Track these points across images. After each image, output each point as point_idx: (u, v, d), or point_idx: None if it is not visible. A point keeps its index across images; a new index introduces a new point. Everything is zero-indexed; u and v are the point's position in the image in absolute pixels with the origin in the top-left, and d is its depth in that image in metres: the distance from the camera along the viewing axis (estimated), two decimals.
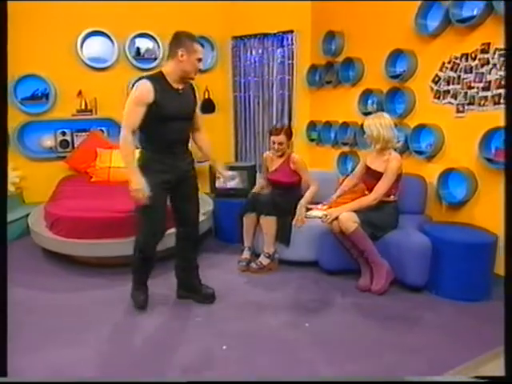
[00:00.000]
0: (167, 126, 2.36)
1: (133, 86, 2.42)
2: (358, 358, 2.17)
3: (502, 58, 2.69)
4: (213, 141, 5.11)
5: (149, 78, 2.34)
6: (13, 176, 4.32)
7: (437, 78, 3.16)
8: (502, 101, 2.71)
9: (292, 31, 4.56)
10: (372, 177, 2.97)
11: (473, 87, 2.89)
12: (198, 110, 2.63)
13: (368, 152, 3.17)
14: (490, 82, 2.78)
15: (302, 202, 3.20)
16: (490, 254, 2.72)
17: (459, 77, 2.99)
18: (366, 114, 3.51)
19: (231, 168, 3.99)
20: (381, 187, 2.86)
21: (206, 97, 4.99)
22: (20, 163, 4.41)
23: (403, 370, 2.06)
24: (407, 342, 2.31)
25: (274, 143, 3.27)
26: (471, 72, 2.90)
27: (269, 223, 3.20)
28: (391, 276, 2.83)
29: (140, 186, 2.29)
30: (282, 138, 3.24)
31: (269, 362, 2.13)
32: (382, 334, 2.38)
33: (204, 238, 3.74)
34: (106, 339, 2.35)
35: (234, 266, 3.30)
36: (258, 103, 4.93)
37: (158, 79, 2.34)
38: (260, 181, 3.62)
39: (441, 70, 3.12)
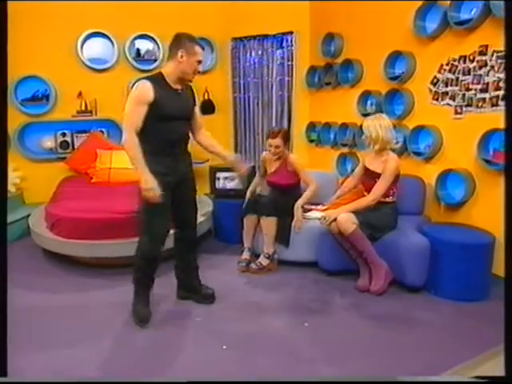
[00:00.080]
0: (167, 126, 2.36)
1: (132, 86, 2.41)
2: (357, 357, 2.19)
3: (499, 60, 2.71)
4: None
5: (148, 78, 2.34)
6: (13, 177, 4.33)
7: (435, 80, 3.18)
8: (499, 102, 2.73)
9: (291, 33, 4.57)
10: (370, 178, 2.99)
11: (471, 89, 2.91)
12: (197, 110, 2.63)
13: (366, 153, 3.19)
14: (487, 83, 2.80)
15: (300, 202, 3.22)
16: (488, 254, 2.74)
17: (457, 79, 3.01)
18: (365, 115, 3.52)
19: (230, 169, 4.02)
20: (379, 188, 2.88)
21: (206, 98, 5.01)
22: (20, 164, 4.42)
23: (403, 370, 2.07)
24: (406, 341, 2.33)
25: (270, 146, 3.28)
26: (469, 74, 2.92)
27: (269, 224, 3.22)
28: (390, 276, 2.85)
29: (151, 185, 2.27)
30: (278, 141, 3.24)
31: (268, 362, 2.14)
32: (381, 334, 2.39)
33: (204, 238, 3.75)
34: (106, 339, 2.35)
35: (233, 267, 3.31)
36: (258, 104, 4.94)
37: (158, 79, 2.34)
38: (255, 180, 3.61)
39: (439, 71, 3.14)
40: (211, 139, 2.72)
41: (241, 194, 3.65)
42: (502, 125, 2.65)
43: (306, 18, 4.51)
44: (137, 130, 2.28)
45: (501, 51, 2.70)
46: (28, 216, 3.89)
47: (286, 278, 3.15)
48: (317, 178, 3.42)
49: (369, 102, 3.83)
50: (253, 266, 3.25)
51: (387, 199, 2.95)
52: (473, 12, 2.83)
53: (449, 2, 2.94)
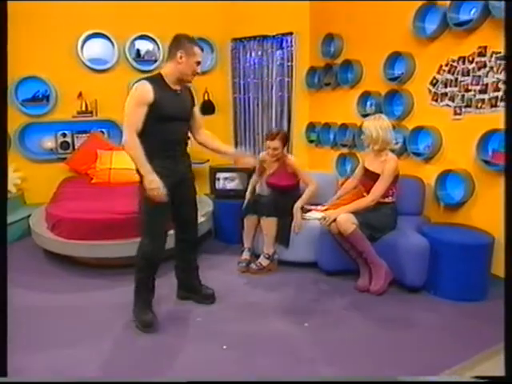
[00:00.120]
0: (166, 127, 2.35)
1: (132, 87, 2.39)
2: (357, 357, 2.19)
3: (498, 61, 2.72)
4: None
5: (147, 79, 2.33)
6: (14, 177, 4.34)
7: (434, 81, 3.19)
8: (498, 103, 2.74)
9: (291, 33, 4.59)
10: (369, 178, 2.99)
11: (470, 90, 2.92)
12: (197, 111, 2.62)
13: (366, 153, 3.20)
14: (486, 84, 2.81)
15: (298, 204, 3.23)
16: (488, 254, 2.75)
17: (457, 79, 3.02)
18: (365, 115, 3.53)
19: (231, 170, 4.04)
20: (378, 188, 2.89)
21: (206, 98, 5.02)
22: (21, 165, 4.43)
23: (402, 370, 2.07)
24: (406, 341, 2.33)
25: (268, 148, 3.27)
26: (468, 75, 2.93)
27: (269, 224, 3.23)
28: (390, 276, 2.86)
29: (157, 184, 2.27)
30: (276, 143, 3.23)
31: (269, 362, 2.15)
32: (381, 334, 2.40)
33: (204, 238, 3.76)
34: (106, 340, 2.36)
35: (233, 267, 3.32)
36: (258, 105, 4.95)
37: (157, 80, 2.34)
38: (253, 179, 3.61)
39: (438, 72, 3.15)
40: (211, 137, 2.72)
41: (241, 194, 3.66)
42: (501, 125, 2.67)
43: (306, 18, 4.52)
44: (137, 130, 2.27)
45: (500, 52, 2.71)
46: (28, 216, 3.89)
47: (285, 279, 3.16)
48: (316, 179, 3.42)
49: (368, 103, 3.84)
50: (253, 266, 3.26)
51: (386, 199, 2.96)
52: (472, 12, 2.83)
53: (448, 3, 2.95)
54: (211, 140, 2.71)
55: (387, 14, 3.55)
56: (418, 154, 3.34)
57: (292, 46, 4.61)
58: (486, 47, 2.80)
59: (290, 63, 4.67)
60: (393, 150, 3.11)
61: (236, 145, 5.18)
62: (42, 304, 2.78)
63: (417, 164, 3.36)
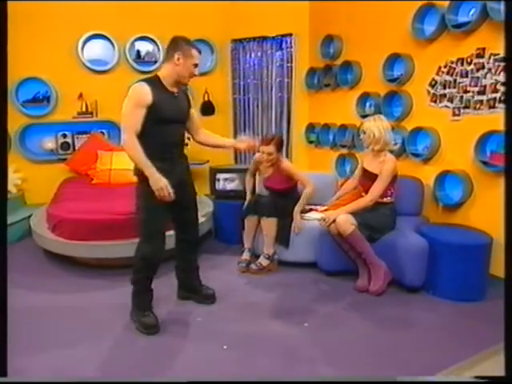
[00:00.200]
0: (164, 129, 2.34)
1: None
2: (356, 357, 2.20)
3: (496, 63, 2.74)
4: None
5: (145, 81, 2.31)
6: (14, 178, 4.35)
7: (433, 82, 3.21)
8: (497, 105, 2.76)
9: (291, 34, 4.60)
10: (368, 179, 3.01)
11: (468, 91, 2.94)
12: (193, 112, 2.62)
13: (365, 154, 3.21)
14: (485, 86, 2.83)
15: (297, 208, 3.25)
16: (486, 255, 2.76)
17: (455, 81, 3.03)
18: (364, 116, 3.55)
19: (231, 170, 4.05)
20: (376, 189, 2.90)
21: (206, 99, 5.04)
22: (21, 165, 4.45)
23: (402, 369, 2.09)
24: (405, 341, 2.34)
25: (263, 153, 3.24)
26: (467, 76, 2.95)
27: (269, 225, 3.24)
28: (389, 277, 2.87)
29: (163, 184, 2.26)
30: (271, 148, 3.20)
31: (269, 362, 2.16)
32: (380, 334, 2.42)
33: (204, 239, 3.77)
34: (106, 340, 2.37)
35: (233, 267, 3.33)
36: (258, 106, 4.97)
37: (155, 82, 2.32)
38: (246, 180, 3.62)
39: (437, 73, 3.17)
40: (211, 135, 2.74)
41: (241, 194, 3.68)
42: (499, 127, 2.68)
43: (306, 19, 4.54)
44: (136, 132, 2.26)
45: (498, 54, 2.73)
46: (29, 217, 3.90)
47: (285, 279, 3.18)
48: (316, 179, 3.44)
49: (368, 104, 3.85)
50: (253, 266, 3.27)
51: (385, 200, 2.97)
52: (471, 12, 2.84)
53: (447, 3, 2.96)
54: (212, 138, 2.73)
55: (386, 15, 3.56)
56: (416, 155, 3.35)
57: (292, 46, 4.63)
58: (484, 49, 2.82)
59: (289, 64, 4.69)
60: (392, 151, 3.13)
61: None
62: (42, 304, 2.79)
63: (416, 165, 3.38)
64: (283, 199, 3.31)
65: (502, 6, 2.64)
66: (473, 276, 2.75)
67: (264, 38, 4.75)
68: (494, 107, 2.78)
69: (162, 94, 2.32)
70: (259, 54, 4.83)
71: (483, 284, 2.80)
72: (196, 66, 2.39)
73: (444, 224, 3.12)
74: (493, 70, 2.77)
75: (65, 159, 4.53)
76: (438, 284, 2.81)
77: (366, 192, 3.00)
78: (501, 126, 2.66)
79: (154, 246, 2.43)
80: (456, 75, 3.03)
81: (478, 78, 2.87)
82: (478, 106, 2.89)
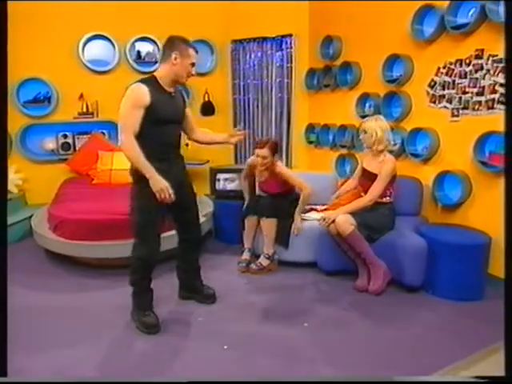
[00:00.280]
0: (162, 129, 2.34)
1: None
2: (356, 357, 2.21)
3: (495, 64, 2.75)
4: None
5: (143, 81, 2.30)
6: (15, 178, 4.37)
7: (432, 83, 3.22)
8: (495, 106, 2.77)
9: (291, 35, 4.62)
10: (368, 178, 3.02)
11: (467, 92, 2.96)
12: (188, 111, 2.62)
13: (364, 154, 3.23)
14: (483, 87, 2.84)
15: (297, 211, 3.26)
16: (485, 254, 2.78)
17: (454, 82, 3.05)
18: (364, 117, 3.56)
19: (231, 170, 4.07)
20: (376, 188, 2.92)
21: (206, 99, 5.06)
22: (22, 165, 4.46)
23: (401, 369, 2.10)
24: (405, 341, 2.36)
25: (257, 156, 3.22)
26: (466, 77, 2.96)
27: (269, 225, 3.26)
28: (388, 277, 2.89)
29: (163, 185, 2.26)
30: (265, 151, 3.17)
31: (268, 362, 2.17)
32: (380, 334, 2.43)
33: (204, 239, 3.78)
34: (106, 340, 2.37)
35: (234, 267, 3.35)
36: (258, 106, 4.98)
37: (152, 82, 2.31)
38: (241, 182, 3.63)
39: (436, 74, 3.19)
40: (206, 132, 2.75)
41: (241, 195, 3.69)
42: (497, 127, 2.70)
43: (305, 20, 4.55)
44: (134, 133, 2.24)
45: (496, 55, 2.74)
46: (30, 217, 3.92)
47: (285, 279, 3.19)
48: (316, 179, 3.45)
49: (367, 104, 3.87)
50: (253, 266, 3.29)
51: (384, 199, 2.98)
52: (471, 12, 2.85)
53: (446, 3, 2.98)
54: (207, 135, 2.75)
55: (386, 16, 3.58)
56: (416, 155, 3.37)
57: (291, 47, 4.64)
58: (482, 50, 2.83)
59: (289, 65, 4.70)
60: (391, 151, 3.14)
61: (235, 146, 5.20)
62: (42, 304, 2.80)
63: (415, 165, 3.40)
64: (282, 200, 3.32)
65: (500, 8, 2.65)
66: (471, 276, 2.76)
67: (264, 39, 4.76)
68: (492, 108, 2.80)
69: (160, 94, 2.31)
70: (259, 54, 4.84)
71: (482, 284, 2.81)
72: (193, 65, 2.38)
73: (443, 224, 3.14)
74: (491, 71, 2.78)
75: (65, 159, 4.54)
76: (437, 284, 2.83)
77: (366, 191, 3.01)
78: (499, 126, 2.68)
79: (150, 247, 2.43)
80: (455, 76, 3.04)
81: (476, 79, 2.89)
82: (476, 106, 2.90)
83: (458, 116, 3.06)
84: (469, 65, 2.93)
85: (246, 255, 3.40)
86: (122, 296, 2.65)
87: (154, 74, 2.39)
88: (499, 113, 2.74)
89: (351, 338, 2.39)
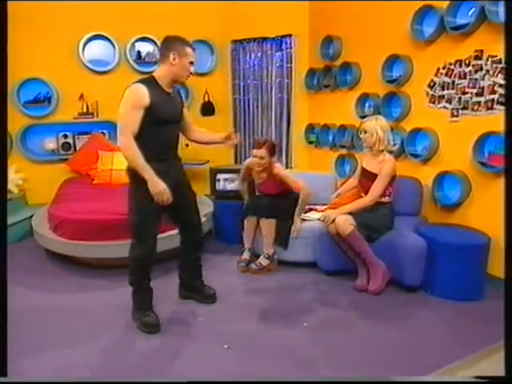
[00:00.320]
0: (162, 130, 2.33)
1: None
2: (356, 357, 2.22)
3: (494, 65, 2.76)
4: None
5: (142, 81, 2.30)
6: (16, 178, 4.37)
7: (432, 83, 3.23)
8: (494, 106, 2.78)
9: (290, 35, 4.62)
10: (367, 178, 3.03)
11: (467, 92, 2.97)
12: (185, 110, 2.61)
13: (364, 154, 3.24)
14: (483, 87, 2.85)
15: (296, 213, 3.26)
16: (484, 254, 2.79)
17: (453, 82, 3.06)
18: (363, 117, 3.57)
19: (231, 171, 4.08)
20: (376, 188, 2.93)
21: (206, 99, 5.06)
22: (23, 165, 4.47)
23: (400, 369, 2.11)
24: (404, 340, 2.36)
25: (255, 156, 3.20)
26: (465, 78, 2.97)
27: (268, 226, 3.26)
28: (387, 276, 2.90)
29: (163, 186, 2.26)
30: (263, 152, 3.15)
31: (268, 361, 2.18)
32: (379, 334, 2.44)
33: (204, 239, 3.78)
34: (106, 340, 2.38)
35: (234, 267, 3.36)
36: (257, 106, 4.98)
37: (151, 83, 2.30)
38: (238, 185, 3.65)
39: (436, 75, 3.19)
40: (204, 132, 2.75)
41: (241, 195, 3.70)
42: (497, 128, 2.71)
43: (305, 20, 4.55)
44: (134, 134, 2.24)
45: (495, 56, 2.75)
46: (31, 217, 3.92)
47: (285, 278, 3.20)
48: (315, 179, 3.46)
49: (367, 105, 3.88)
50: (253, 266, 3.29)
51: (383, 199, 2.99)
52: (471, 12, 2.85)
53: (446, 5, 2.98)
54: (207, 135, 2.75)
55: (386, 16, 3.58)
56: (415, 156, 3.38)
57: (291, 47, 4.65)
58: (482, 51, 2.84)
59: (289, 65, 4.70)
60: (391, 152, 3.15)
61: (235, 146, 5.21)
62: (43, 304, 2.81)
63: (414, 165, 3.40)
64: (281, 200, 3.32)
65: (499, 8, 2.66)
66: (471, 275, 2.77)
67: (264, 39, 4.76)
68: (491, 108, 2.80)
69: (159, 94, 2.31)
70: (259, 54, 4.85)
71: (481, 284, 2.82)
72: (192, 63, 2.38)
73: (442, 224, 3.15)
74: (491, 72, 2.79)
75: (66, 159, 4.55)
76: (437, 283, 2.84)
77: (365, 191, 3.03)
78: (498, 127, 2.69)
79: (146, 247, 2.43)
80: (454, 77, 3.05)
81: (476, 79, 2.89)
82: (476, 107, 2.91)
83: (457, 116, 3.06)
84: (468, 65, 2.94)
85: (245, 255, 3.41)
86: (122, 296, 2.66)
87: (153, 74, 2.38)
88: (498, 113, 2.75)
89: (351, 338, 2.40)
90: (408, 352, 2.26)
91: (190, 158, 4.49)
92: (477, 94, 2.90)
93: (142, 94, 2.23)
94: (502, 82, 2.71)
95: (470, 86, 2.93)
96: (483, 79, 2.84)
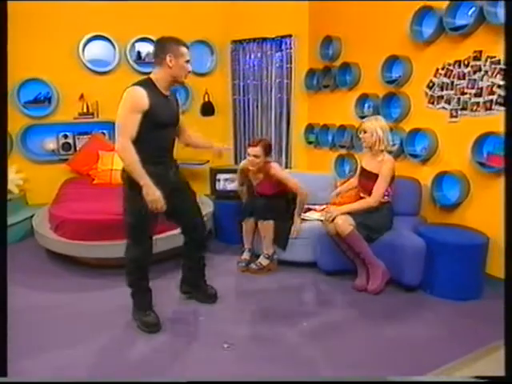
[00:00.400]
0: (160, 133, 2.33)
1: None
2: (356, 356, 2.23)
3: (493, 66, 2.77)
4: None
5: (140, 84, 2.27)
6: (16, 178, 4.38)
7: (431, 84, 3.24)
8: (493, 107, 2.79)
9: (290, 36, 4.63)
10: (367, 178, 3.05)
11: (465, 93, 2.98)
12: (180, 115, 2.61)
13: (363, 154, 3.25)
14: (481, 88, 2.86)
15: (296, 214, 3.28)
16: (482, 254, 2.80)
17: (452, 83, 3.07)
18: (363, 117, 3.58)
19: (231, 171, 4.09)
20: (378, 189, 2.93)
21: (206, 100, 5.07)
22: (23, 166, 4.48)
23: (401, 369, 2.12)
24: (404, 340, 2.38)
25: (249, 155, 3.18)
26: (464, 78, 2.98)
27: (266, 227, 3.27)
28: (387, 276, 2.91)
29: (157, 195, 2.23)
30: (257, 150, 3.12)
31: (268, 361, 2.18)
32: (379, 333, 2.45)
33: (206, 239, 3.80)
34: (106, 340, 2.39)
35: (234, 267, 3.37)
36: (257, 106, 4.99)
37: (149, 85, 2.28)
38: (237, 189, 3.66)
39: (435, 75, 3.20)
40: (199, 137, 2.76)
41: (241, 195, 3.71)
42: (495, 128, 2.72)
43: (305, 21, 4.56)
44: (132, 137, 2.22)
45: (494, 57, 2.76)
46: (31, 217, 3.93)
47: (285, 278, 3.21)
48: (315, 180, 3.47)
49: (366, 105, 3.88)
50: (253, 266, 3.31)
51: (382, 199, 3.00)
52: (471, 12, 2.86)
53: (445, 6, 2.99)
54: (199, 138, 2.77)
55: (385, 17, 3.59)
56: (414, 156, 3.39)
57: (291, 48, 4.65)
58: (481, 51, 2.85)
59: (289, 65, 4.71)
60: (390, 152, 3.16)
61: (235, 146, 5.23)
62: (43, 304, 2.82)
63: (414, 165, 3.42)
64: (278, 200, 3.32)
65: (498, 9, 2.67)
66: (469, 275, 2.78)
67: (264, 39, 4.77)
68: (490, 109, 2.82)
69: (157, 97, 2.30)
70: (259, 55, 4.85)
71: (480, 283, 2.84)
72: (188, 62, 2.37)
73: (441, 224, 3.16)
74: (489, 73, 2.80)
75: (66, 160, 4.56)
76: (436, 283, 2.85)
77: (364, 191, 3.04)
78: (497, 127, 2.70)
79: (142, 248, 2.43)
80: (453, 77, 3.06)
81: (474, 80, 2.91)
82: (474, 107, 2.92)
83: (456, 117, 3.08)
84: (467, 66, 2.95)
85: (245, 255, 3.43)
86: (123, 296, 2.66)
87: (150, 76, 2.35)
88: (497, 114, 2.77)
89: (350, 338, 2.41)
90: (407, 351, 2.27)
91: (190, 158, 4.50)
92: (475, 95, 2.91)
93: (141, 98, 2.22)
94: (501, 82, 2.73)
95: (469, 86, 2.95)
96: (482, 80, 2.86)
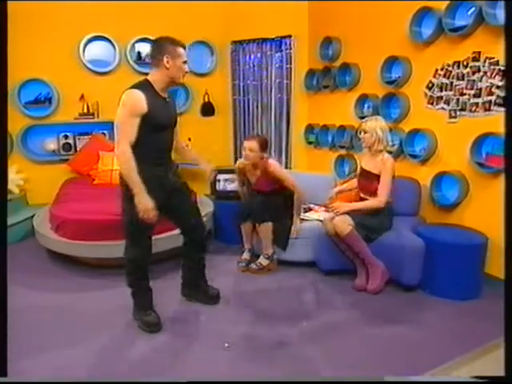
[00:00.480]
0: (159, 135, 2.33)
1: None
2: (356, 356, 2.24)
3: (492, 67, 2.78)
4: (212, 143, 5.21)
5: (138, 87, 2.25)
6: (17, 178, 4.39)
7: (430, 85, 3.25)
8: (492, 107, 2.80)
9: (290, 36, 4.63)
10: (366, 178, 3.05)
11: (465, 94, 2.98)
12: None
13: (362, 155, 3.26)
14: (480, 89, 2.87)
15: (295, 214, 3.29)
16: (481, 254, 2.81)
17: (452, 83, 3.08)
18: (363, 117, 3.59)
19: (231, 171, 4.09)
20: (383, 189, 2.93)
21: (206, 100, 5.08)
22: (24, 166, 4.49)
23: (401, 368, 2.12)
24: (404, 340, 2.38)
25: (244, 149, 3.20)
26: (463, 79, 2.99)
27: (264, 230, 3.27)
28: (386, 276, 2.92)
29: (149, 205, 2.22)
30: (252, 144, 3.14)
31: (268, 361, 2.19)
32: (378, 333, 2.45)
33: (205, 239, 3.80)
34: (106, 339, 2.39)
35: (234, 267, 3.38)
36: (257, 107, 4.99)
37: (147, 88, 2.27)
38: (239, 190, 3.66)
39: (434, 76, 3.21)
40: (184, 148, 2.81)
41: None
42: (494, 129, 2.73)
43: (305, 21, 4.57)
44: (131, 142, 2.21)
45: (493, 58, 2.77)
46: (31, 217, 3.94)
47: (285, 278, 3.22)
48: (315, 180, 3.47)
49: (366, 106, 3.89)
50: (253, 266, 3.32)
51: (389, 199, 3.00)
52: (470, 11, 2.86)
53: (444, 7, 3.00)
54: (188, 150, 2.84)
55: (385, 18, 3.60)
56: (414, 156, 3.40)
57: (291, 48, 4.65)
58: (479, 52, 2.86)
59: (288, 66, 4.71)
60: (390, 152, 3.17)
61: (235, 146, 5.24)
62: (44, 303, 2.82)
63: (413, 166, 3.42)
64: (275, 198, 3.31)
65: (497, 11, 2.68)
66: (469, 275, 2.79)
67: (264, 40, 4.77)
68: (489, 110, 2.82)
69: (156, 100, 2.29)
70: (259, 55, 4.86)
71: (479, 283, 2.84)
72: (185, 62, 2.36)
73: (440, 224, 3.17)
74: (488, 74, 2.81)
75: (66, 160, 4.56)
76: (435, 283, 2.86)
77: (364, 191, 3.05)
78: (496, 128, 2.71)
79: (141, 248, 2.44)
80: (452, 78, 3.07)
81: (473, 80, 2.91)
82: (473, 108, 2.93)
83: (455, 117, 3.08)
84: (466, 67, 2.96)
85: (245, 255, 3.44)
86: (123, 296, 2.67)
87: (148, 78, 2.33)
88: (496, 114, 2.77)
89: (350, 338, 2.41)
90: (407, 351, 2.28)
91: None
92: (474, 96, 2.91)
93: (140, 101, 2.20)
94: (500, 83, 2.73)
95: (468, 87, 2.95)
96: (481, 81, 2.86)
